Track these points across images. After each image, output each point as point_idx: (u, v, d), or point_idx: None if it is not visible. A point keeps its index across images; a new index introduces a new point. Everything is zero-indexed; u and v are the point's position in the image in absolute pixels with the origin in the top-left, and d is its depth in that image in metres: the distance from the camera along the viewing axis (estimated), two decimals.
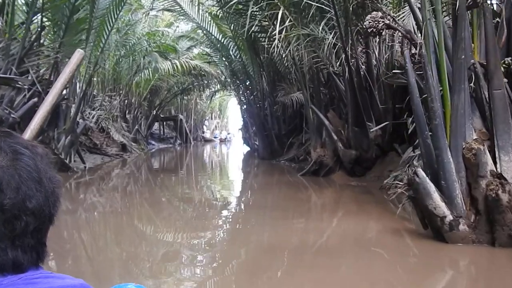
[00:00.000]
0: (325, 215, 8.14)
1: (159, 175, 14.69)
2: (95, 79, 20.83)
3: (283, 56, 15.56)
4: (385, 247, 5.22)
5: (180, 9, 17.18)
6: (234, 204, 9.50)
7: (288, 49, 10.42)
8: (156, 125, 29.88)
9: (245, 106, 20.46)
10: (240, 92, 20.76)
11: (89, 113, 18.39)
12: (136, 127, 23.48)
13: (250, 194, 10.89)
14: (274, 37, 12.10)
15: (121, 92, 22.05)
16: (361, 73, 9.73)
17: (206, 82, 26.19)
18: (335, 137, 10.28)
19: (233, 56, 17.97)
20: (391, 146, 9.80)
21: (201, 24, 17.67)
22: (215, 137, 40.73)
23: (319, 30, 9.27)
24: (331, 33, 9.43)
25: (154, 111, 26.63)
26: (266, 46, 15.68)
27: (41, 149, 0.80)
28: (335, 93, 11.04)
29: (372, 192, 9.09)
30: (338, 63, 9.63)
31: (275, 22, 11.27)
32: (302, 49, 10.30)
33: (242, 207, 9.16)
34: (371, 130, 9.19)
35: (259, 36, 15.40)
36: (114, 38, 18.69)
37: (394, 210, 7.81)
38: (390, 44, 9.54)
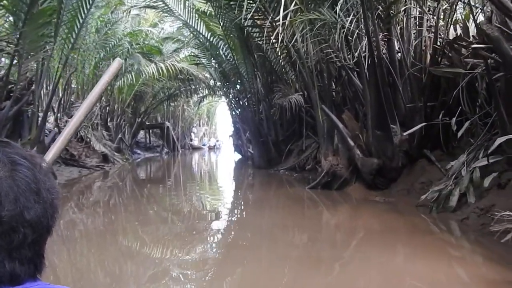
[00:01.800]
0: (339, 238, 6.35)
1: (145, 187, 12.82)
2: (74, 86, 18.93)
3: (280, 54, 13.75)
4: None
5: (164, 5, 15.21)
6: (226, 223, 7.57)
7: (294, 39, 8.54)
8: (142, 133, 27.98)
9: (237, 111, 18.51)
10: (231, 95, 18.85)
11: (66, 121, 16.41)
12: (120, 135, 21.52)
13: (246, 211, 8.92)
14: (270, 30, 10.29)
15: (102, 98, 20.00)
16: (383, 65, 7.89)
17: (193, 87, 24.23)
18: (351, 143, 8.41)
19: (223, 56, 16.02)
20: (421, 152, 7.96)
21: (188, 22, 15.72)
22: (203, 145, 38.82)
23: (336, 13, 7.40)
24: (346, 18, 7.60)
25: (139, 118, 24.60)
26: (260, 43, 13.91)
27: (40, 159, 0.77)
28: (348, 91, 9.19)
29: (403, 211, 7.21)
30: (356, 53, 7.74)
31: (272, 12, 9.47)
32: (308, 39, 8.44)
33: (237, 227, 7.28)
34: (404, 134, 7.30)
35: (252, 32, 13.56)
36: (93, 38, 16.76)
37: (443, 237, 6.01)
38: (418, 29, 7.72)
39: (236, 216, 8.34)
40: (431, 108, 7.71)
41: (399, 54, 8.23)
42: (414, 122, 7.91)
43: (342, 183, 8.84)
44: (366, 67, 7.83)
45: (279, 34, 8.25)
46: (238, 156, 22.97)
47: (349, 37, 8.35)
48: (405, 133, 7.23)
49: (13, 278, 0.70)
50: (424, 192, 7.13)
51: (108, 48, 17.72)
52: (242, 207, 9.44)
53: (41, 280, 0.74)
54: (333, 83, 9.42)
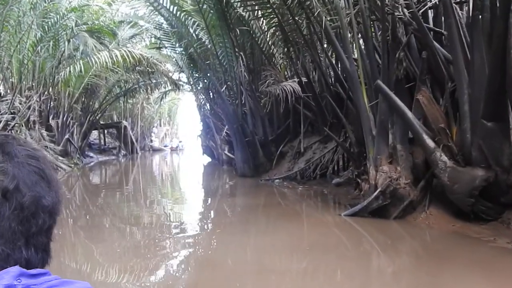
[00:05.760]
0: None
1: (97, 198, 9.03)
2: (11, 79, 14.55)
3: (269, 27, 10.07)
4: None
5: None
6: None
7: None
8: (95, 134, 23.52)
9: (208, 105, 14.63)
10: (200, 86, 14.97)
11: None
12: (67, 136, 17.13)
13: (244, 255, 5.01)
14: None
15: (44, 90, 15.63)
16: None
17: (154, 81, 20.14)
18: (430, 144, 4.78)
19: (193, 35, 12.06)
20: None
21: None
22: (165, 146, 34.49)
23: None
24: None
25: (91, 116, 20.22)
26: (244, 13, 10.18)
27: (41, 153, 0.73)
28: (410, 60, 5.54)
29: None
30: None
31: None
32: None
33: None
34: None
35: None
36: (24, 11, 12.48)
37: None
38: None
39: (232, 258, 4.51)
40: None
41: None
42: None
43: (406, 209, 5.20)
44: (468, 14, 4.22)
45: None
46: (207, 159, 19.05)
47: None
48: None
49: (28, 264, 0.66)
50: None
51: (47, 27, 13.44)
52: (236, 248, 5.62)
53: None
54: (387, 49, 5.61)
